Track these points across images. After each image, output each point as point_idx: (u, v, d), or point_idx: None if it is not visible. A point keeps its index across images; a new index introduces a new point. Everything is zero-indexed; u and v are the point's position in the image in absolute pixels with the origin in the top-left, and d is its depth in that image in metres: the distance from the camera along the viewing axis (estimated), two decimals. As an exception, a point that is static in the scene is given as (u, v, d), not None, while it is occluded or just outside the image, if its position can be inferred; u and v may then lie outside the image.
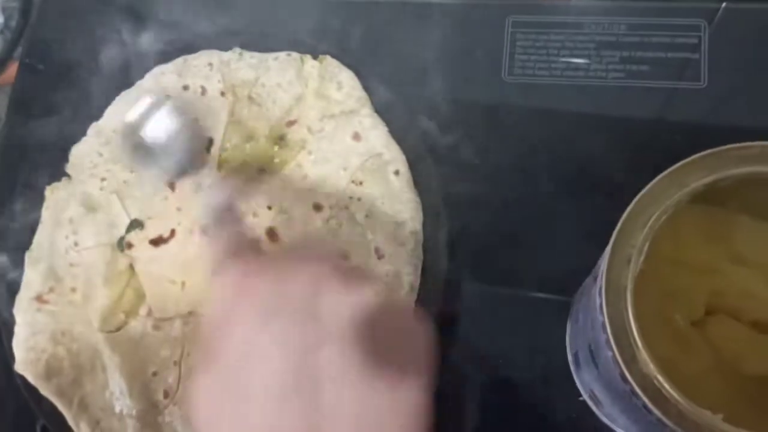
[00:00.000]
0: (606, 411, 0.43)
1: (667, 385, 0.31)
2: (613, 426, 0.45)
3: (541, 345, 0.46)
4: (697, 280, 0.40)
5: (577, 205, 0.46)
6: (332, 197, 0.47)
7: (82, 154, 0.49)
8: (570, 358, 0.46)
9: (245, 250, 0.36)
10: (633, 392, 0.32)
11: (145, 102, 0.44)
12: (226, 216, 0.39)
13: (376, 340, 0.30)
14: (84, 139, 0.49)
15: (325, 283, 0.31)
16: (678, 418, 0.30)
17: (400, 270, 0.45)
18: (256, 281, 0.32)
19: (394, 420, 0.30)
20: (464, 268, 0.46)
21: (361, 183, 0.47)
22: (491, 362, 0.47)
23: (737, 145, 0.33)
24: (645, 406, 0.32)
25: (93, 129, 0.49)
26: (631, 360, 0.31)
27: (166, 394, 0.45)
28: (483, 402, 0.46)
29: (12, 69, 0.60)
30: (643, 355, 0.31)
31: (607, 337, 0.32)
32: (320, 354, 0.29)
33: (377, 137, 0.47)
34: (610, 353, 0.33)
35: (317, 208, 0.47)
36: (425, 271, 0.45)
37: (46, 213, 0.48)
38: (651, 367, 0.31)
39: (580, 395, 0.46)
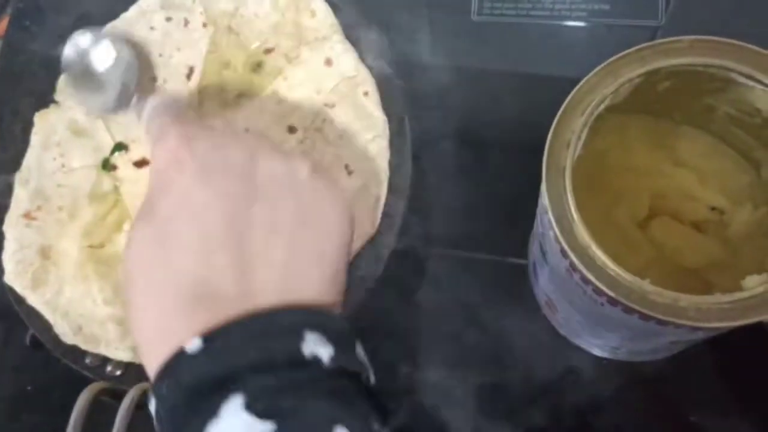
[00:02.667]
0: (559, 317, 0.46)
1: (599, 253, 0.33)
2: (564, 332, 0.48)
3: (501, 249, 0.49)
4: (641, 182, 0.42)
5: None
6: (306, 119, 0.49)
7: (69, 81, 0.51)
8: (530, 270, 0.49)
9: (187, 118, 0.39)
10: (572, 266, 0.35)
11: (85, 38, 0.46)
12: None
13: (301, 201, 0.33)
14: (71, 67, 0.52)
15: (261, 152, 0.34)
16: (611, 284, 0.33)
17: (368, 183, 0.47)
18: (197, 143, 0.34)
19: (317, 265, 0.33)
20: (428, 179, 0.49)
21: (333, 105, 0.49)
22: (457, 261, 0.50)
23: (668, 39, 0.36)
24: (583, 278, 0.34)
25: (80, 58, 0.51)
26: (569, 233, 0.34)
27: (147, 302, 0.47)
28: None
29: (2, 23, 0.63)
30: (579, 227, 0.34)
31: (549, 217, 0.35)
32: (253, 209, 0.32)
33: (347, 62, 0.49)
34: (551, 233, 0.35)
35: (291, 130, 0.49)
36: (391, 183, 0.47)
37: (35, 137, 0.50)
38: (585, 237, 0.34)
39: (540, 308, 0.49)
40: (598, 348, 0.46)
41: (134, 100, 0.45)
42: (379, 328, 0.49)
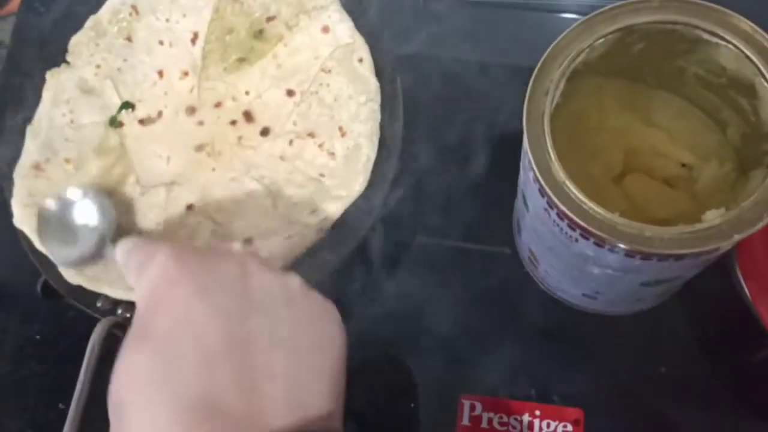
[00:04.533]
0: (540, 270, 0.49)
1: (573, 188, 0.36)
2: (546, 286, 0.50)
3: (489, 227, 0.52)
4: (616, 140, 0.45)
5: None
6: (304, 83, 0.52)
7: (80, 43, 0.54)
8: (514, 228, 0.51)
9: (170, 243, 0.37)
10: (549, 203, 0.37)
11: (72, 192, 0.47)
12: None
13: (297, 313, 0.34)
14: (82, 30, 0.54)
15: (252, 267, 0.34)
16: (584, 216, 0.36)
17: (360, 144, 0.50)
18: (188, 260, 0.34)
19: (319, 377, 0.32)
20: (417, 136, 0.52)
21: (329, 70, 0.52)
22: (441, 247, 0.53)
23: (640, -1, 0.39)
24: (559, 214, 0.37)
25: (91, 21, 0.54)
26: (546, 171, 0.37)
27: (148, 250, 0.50)
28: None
29: (16, 1, 0.66)
30: (556, 165, 0.37)
31: (528, 158, 0.38)
32: (250, 323, 0.32)
33: (344, 30, 0.52)
34: (531, 174, 0.38)
35: (290, 93, 0.52)
36: (382, 145, 0.50)
37: (46, 94, 0.53)
38: (561, 175, 0.37)
39: (523, 267, 0.52)
40: (576, 299, 0.49)
41: (109, 248, 0.43)
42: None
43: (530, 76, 0.39)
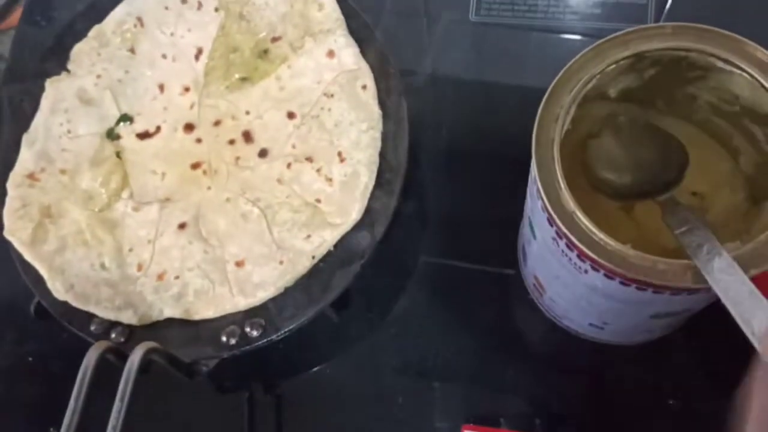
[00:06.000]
0: (546, 298, 0.47)
1: (583, 218, 0.35)
2: (551, 315, 0.49)
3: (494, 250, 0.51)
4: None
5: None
6: (305, 106, 0.51)
7: (82, 52, 0.54)
8: (519, 254, 0.50)
9: None
10: (558, 233, 0.36)
11: None
12: None
13: None
14: (85, 39, 0.54)
15: None
16: (595, 248, 0.35)
17: (359, 171, 0.49)
18: None
19: None
20: (423, 169, 0.51)
21: (332, 95, 0.51)
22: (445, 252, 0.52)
23: (653, 25, 0.38)
24: (568, 244, 0.36)
25: (95, 30, 0.54)
26: (555, 201, 0.36)
27: (139, 268, 0.49)
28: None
29: (16, 14, 0.66)
30: (565, 195, 0.36)
31: (537, 186, 0.36)
32: None
33: (349, 55, 0.52)
34: (540, 202, 0.37)
35: (291, 115, 0.52)
36: (389, 164, 0.49)
37: (45, 102, 0.53)
38: (571, 204, 0.35)
39: (528, 294, 0.50)
40: (582, 329, 0.47)
41: None
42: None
43: (537, 98, 0.38)
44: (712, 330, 0.47)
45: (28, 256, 0.48)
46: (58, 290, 0.47)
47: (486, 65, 0.57)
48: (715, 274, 0.33)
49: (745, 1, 0.55)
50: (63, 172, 0.51)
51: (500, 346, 0.50)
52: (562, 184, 0.36)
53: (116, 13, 0.54)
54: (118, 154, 0.51)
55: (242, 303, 0.47)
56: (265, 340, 0.46)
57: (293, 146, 0.51)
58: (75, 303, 0.47)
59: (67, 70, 0.53)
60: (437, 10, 0.58)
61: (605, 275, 0.36)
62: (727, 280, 0.32)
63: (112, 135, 0.52)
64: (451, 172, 0.54)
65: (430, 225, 0.54)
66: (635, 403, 0.48)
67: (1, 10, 0.65)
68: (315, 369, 0.50)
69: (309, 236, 0.48)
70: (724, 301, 0.32)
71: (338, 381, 0.50)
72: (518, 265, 0.51)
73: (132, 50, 0.54)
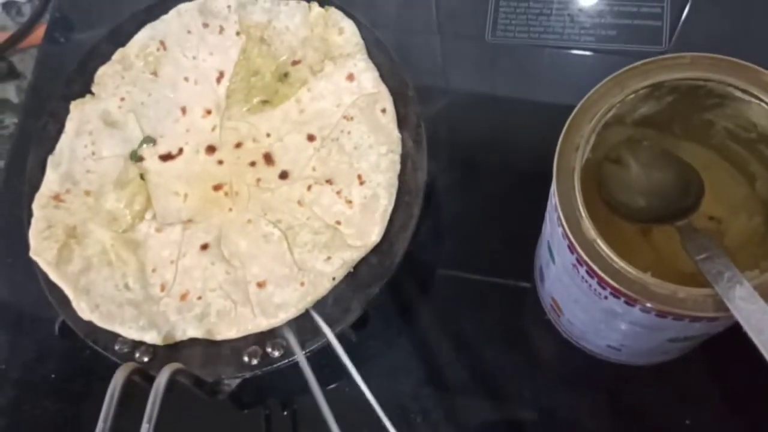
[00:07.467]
0: (563, 319, 0.48)
1: (604, 246, 0.36)
2: (568, 335, 0.49)
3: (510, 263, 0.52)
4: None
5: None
6: (325, 129, 0.52)
7: (106, 75, 0.55)
8: (536, 275, 0.51)
9: None
10: (579, 260, 0.37)
11: None
12: None
13: None
14: (109, 62, 0.55)
15: None
16: (615, 276, 0.35)
17: (378, 194, 0.50)
18: None
19: None
20: (439, 184, 0.52)
21: (351, 118, 0.52)
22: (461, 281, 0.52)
23: (672, 55, 0.39)
24: (589, 272, 0.37)
25: (119, 54, 0.55)
26: (576, 228, 0.37)
27: (162, 288, 0.49)
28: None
29: (40, 31, 0.67)
30: (586, 223, 0.36)
31: (558, 214, 0.37)
32: None
33: (368, 79, 0.53)
34: (560, 229, 0.38)
35: (311, 138, 0.52)
36: (400, 195, 0.50)
37: (70, 124, 0.54)
38: (592, 232, 0.36)
39: (545, 314, 0.51)
40: (599, 350, 0.48)
41: None
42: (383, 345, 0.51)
43: (551, 116, 0.39)
44: (729, 350, 0.48)
45: (53, 277, 0.49)
46: (83, 310, 0.48)
47: (501, 84, 0.58)
48: (737, 302, 0.33)
49: (757, 22, 0.56)
50: (87, 193, 0.52)
51: (518, 364, 0.51)
52: (583, 213, 0.37)
53: (139, 37, 0.55)
54: (141, 176, 0.52)
55: (264, 324, 0.47)
56: (286, 361, 0.46)
57: (313, 168, 0.51)
58: (100, 323, 0.47)
59: (92, 93, 0.54)
60: (453, 30, 0.59)
61: (625, 302, 0.37)
62: (749, 309, 0.33)
63: (135, 157, 0.53)
64: (467, 187, 0.55)
65: (446, 240, 0.54)
66: (652, 423, 0.48)
67: (23, 28, 0.66)
68: (332, 387, 0.51)
69: (329, 258, 0.48)
70: (746, 329, 0.33)
71: (356, 399, 0.51)
72: (534, 280, 0.52)
73: (155, 73, 0.55)
